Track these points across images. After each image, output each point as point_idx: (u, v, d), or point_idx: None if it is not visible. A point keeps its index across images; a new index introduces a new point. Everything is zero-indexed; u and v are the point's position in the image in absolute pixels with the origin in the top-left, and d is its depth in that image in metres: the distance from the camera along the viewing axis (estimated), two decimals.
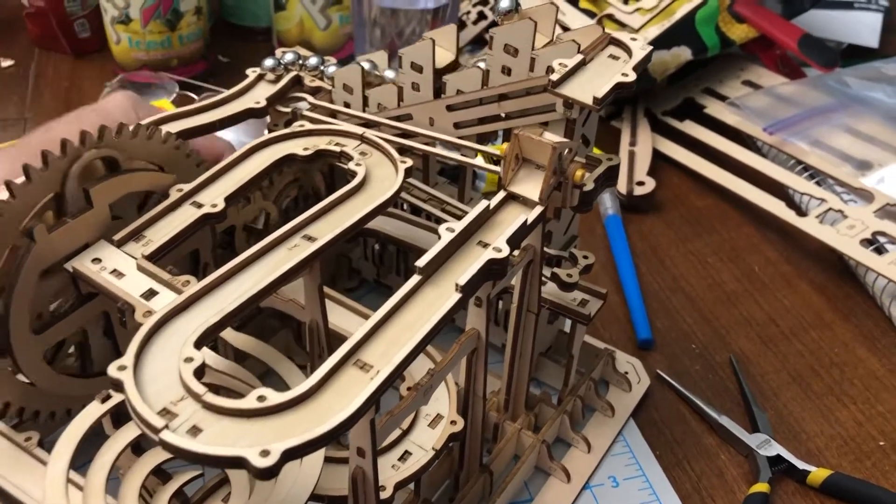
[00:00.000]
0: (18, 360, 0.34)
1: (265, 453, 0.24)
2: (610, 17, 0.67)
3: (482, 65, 0.38)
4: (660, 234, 0.59)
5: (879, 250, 0.53)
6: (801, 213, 0.58)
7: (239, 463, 0.24)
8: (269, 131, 0.42)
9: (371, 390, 0.26)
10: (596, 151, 0.38)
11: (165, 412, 0.25)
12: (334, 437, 0.25)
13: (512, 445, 0.41)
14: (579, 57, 0.34)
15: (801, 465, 0.43)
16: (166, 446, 0.24)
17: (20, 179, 0.32)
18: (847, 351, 0.51)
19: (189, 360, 0.27)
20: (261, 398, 0.25)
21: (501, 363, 0.40)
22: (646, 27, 0.64)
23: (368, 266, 0.51)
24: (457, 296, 0.29)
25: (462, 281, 0.29)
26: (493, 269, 0.30)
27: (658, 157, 0.65)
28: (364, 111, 0.43)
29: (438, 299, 0.29)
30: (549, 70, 0.34)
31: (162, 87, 0.67)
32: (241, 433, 0.25)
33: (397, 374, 0.27)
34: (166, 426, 0.25)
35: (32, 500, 0.33)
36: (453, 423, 0.35)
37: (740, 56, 0.72)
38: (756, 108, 0.65)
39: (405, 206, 0.45)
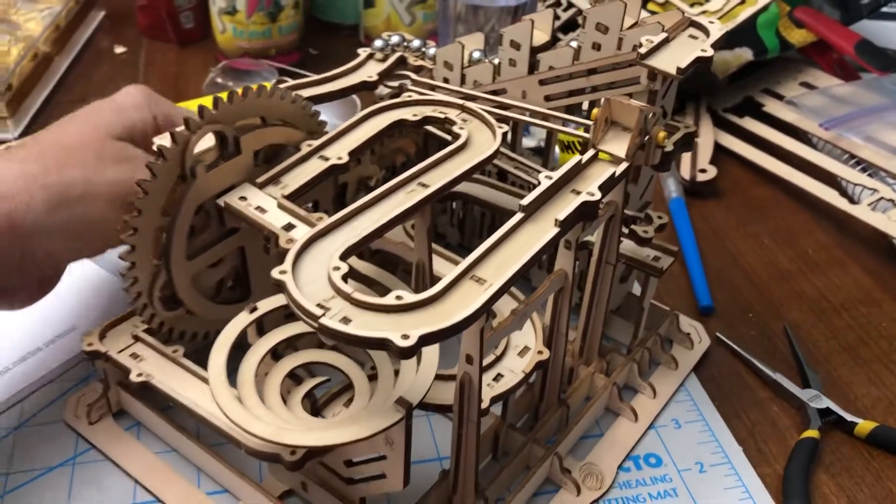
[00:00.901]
0: (175, 280, 0.40)
1: (406, 337, 0.29)
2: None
3: (574, 44, 0.43)
4: (720, 218, 0.63)
5: None
6: (853, 201, 0.62)
7: (384, 344, 0.29)
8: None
9: (486, 297, 0.31)
10: None
11: (320, 307, 0.31)
12: (458, 330, 0.30)
13: (585, 386, 0.46)
14: (663, 35, 0.40)
15: (849, 417, 0.47)
16: (324, 330, 0.30)
17: (180, 128, 0.38)
18: (894, 325, 0.55)
19: (337, 268, 0.32)
20: (398, 297, 0.31)
21: (576, 321, 0.45)
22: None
23: (453, 231, 0.56)
24: (555, 230, 0.34)
25: (561, 216, 0.34)
26: (586, 210, 0.35)
27: (719, 150, 0.69)
28: (462, 85, 0.48)
29: (539, 233, 0.35)
30: (638, 45, 0.39)
31: (260, 73, 0.74)
32: (382, 323, 0.30)
33: (505, 288, 0.32)
34: (323, 315, 0.30)
35: (181, 396, 0.39)
36: (540, 352, 0.40)
37: (798, 59, 0.77)
38: (812, 107, 0.69)
39: (493, 174, 0.51)
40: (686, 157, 0.66)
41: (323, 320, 0.30)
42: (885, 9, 0.81)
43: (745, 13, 0.69)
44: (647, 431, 0.46)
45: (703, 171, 0.65)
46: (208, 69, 0.74)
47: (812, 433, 0.46)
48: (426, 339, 0.29)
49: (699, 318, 0.53)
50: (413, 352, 0.29)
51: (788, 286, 0.57)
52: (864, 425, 0.46)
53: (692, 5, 0.72)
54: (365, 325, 0.30)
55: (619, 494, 0.43)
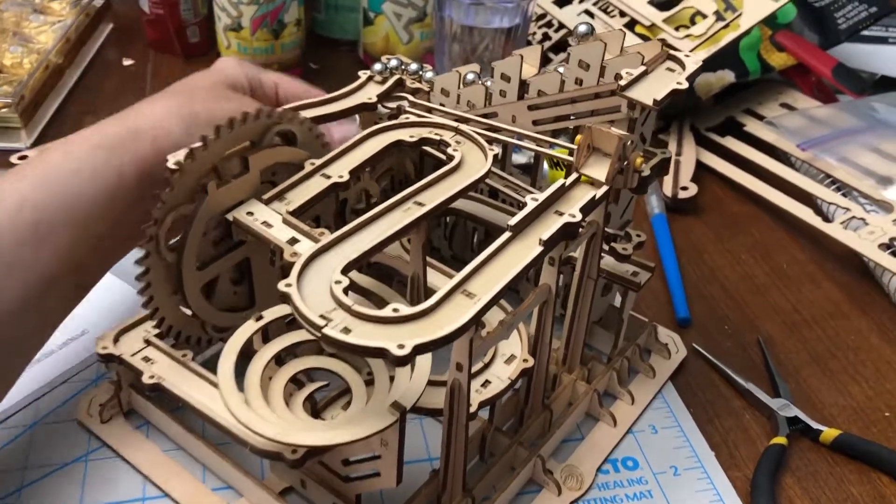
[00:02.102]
0: (186, 289, 0.43)
1: (401, 347, 0.32)
2: (662, 41, 0.75)
3: (561, 69, 0.46)
4: (700, 233, 0.66)
5: (895, 253, 0.60)
6: (827, 219, 0.65)
7: (382, 353, 0.32)
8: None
9: (475, 311, 0.34)
10: None
11: (323, 318, 0.34)
12: (449, 341, 0.33)
13: (568, 392, 0.49)
14: (642, 68, 0.43)
15: (815, 425, 0.50)
16: (327, 340, 0.33)
17: (197, 145, 0.41)
18: (862, 338, 0.58)
19: (339, 282, 0.35)
20: (395, 310, 0.34)
21: (560, 330, 0.48)
22: (694, 52, 0.72)
23: (446, 244, 0.59)
24: (539, 248, 0.37)
25: (545, 236, 0.37)
26: (568, 231, 0.38)
27: (701, 168, 0.72)
28: (456, 106, 0.51)
29: (525, 251, 0.38)
30: (618, 77, 0.42)
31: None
32: (380, 334, 0.33)
33: (493, 302, 0.35)
34: (325, 325, 0.33)
35: (191, 398, 0.42)
36: (525, 360, 0.43)
37: (779, 81, 0.80)
38: (791, 128, 0.72)
39: (485, 192, 0.54)
40: (669, 175, 0.69)
41: (326, 330, 0.33)
42: (862, 33, 0.84)
43: (727, 37, 0.72)
44: (625, 436, 0.49)
45: (684, 188, 0.68)
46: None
47: (780, 440, 0.49)
48: (420, 349, 0.32)
49: (677, 330, 0.56)
50: (408, 360, 0.32)
51: (763, 300, 0.60)
52: (829, 433, 0.49)
53: (677, 28, 0.75)
54: (364, 336, 0.33)
55: (597, 495, 0.46)
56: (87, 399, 0.48)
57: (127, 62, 0.83)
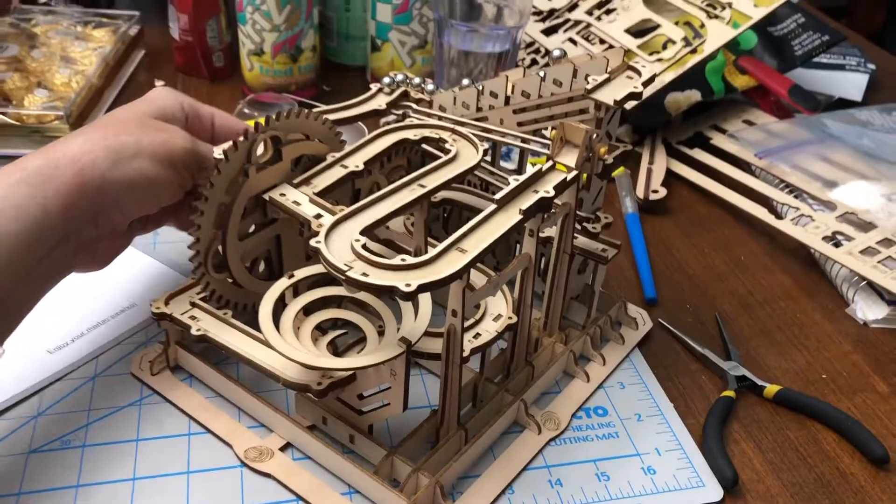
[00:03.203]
0: (228, 258, 0.52)
1: (408, 285, 0.41)
2: (636, 63, 0.84)
3: (542, 73, 0.56)
4: (669, 231, 0.75)
5: (837, 244, 0.69)
6: (780, 217, 0.74)
7: (392, 290, 0.41)
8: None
9: (466, 261, 0.43)
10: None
11: (346, 265, 0.42)
12: (446, 283, 0.42)
13: (548, 353, 0.57)
14: (606, 76, 0.52)
15: (760, 382, 0.58)
16: (349, 281, 0.41)
17: (241, 139, 0.50)
18: (807, 317, 0.66)
19: (357, 240, 0.44)
20: (403, 259, 0.42)
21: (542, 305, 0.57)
22: (664, 73, 0.81)
23: (444, 235, 0.68)
24: (519, 217, 0.46)
25: (524, 207, 0.46)
26: (543, 204, 0.47)
27: (671, 175, 0.81)
28: (452, 108, 0.61)
29: (508, 219, 0.46)
30: (587, 82, 0.51)
31: (282, 106, 0.86)
32: (391, 276, 0.41)
33: (481, 256, 0.44)
34: (349, 270, 0.42)
35: (232, 345, 0.50)
36: (510, 318, 0.52)
37: (742, 101, 0.89)
38: (751, 140, 0.82)
39: (478, 186, 0.63)
40: (642, 180, 0.79)
41: (349, 274, 0.41)
42: (815, 59, 0.94)
43: (693, 60, 0.81)
44: (596, 390, 0.57)
45: (655, 191, 0.77)
46: (236, 101, 0.87)
47: (729, 393, 0.57)
48: (423, 287, 0.41)
49: (645, 308, 0.65)
50: (413, 296, 0.41)
51: (722, 285, 0.69)
52: (771, 388, 0.58)
53: (651, 54, 0.85)
54: (379, 277, 0.41)
55: (571, 435, 0.54)
56: (139, 356, 0.56)
57: (158, 83, 0.93)
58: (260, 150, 0.51)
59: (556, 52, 0.57)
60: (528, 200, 0.47)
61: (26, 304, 0.45)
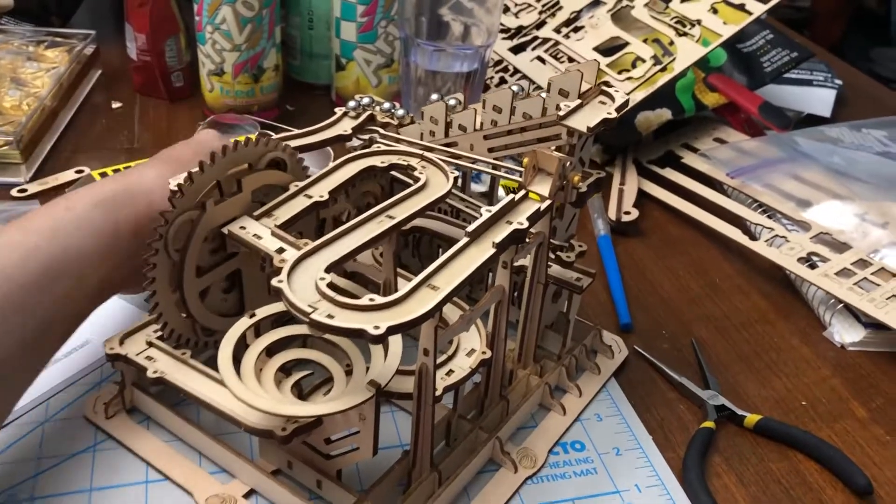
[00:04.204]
0: (186, 295, 0.49)
1: (377, 328, 0.38)
2: (606, 83, 0.83)
3: (515, 87, 0.54)
4: (642, 253, 0.74)
5: (812, 266, 0.68)
6: (754, 238, 0.73)
7: (360, 333, 0.38)
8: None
9: (438, 299, 0.41)
10: None
11: (310, 307, 0.40)
12: (417, 323, 0.40)
13: (523, 385, 0.55)
14: (578, 101, 0.50)
15: (739, 411, 0.57)
16: (314, 324, 0.39)
17: (195, 169, 0.48)
18: (784, 341, 0.65)
19: (322, 278, 0.41)
20: (371, 299, 0.40)
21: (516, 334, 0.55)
22: (634, 92, 0.80)
23: (414, 262, 0.66)
24: (492, 250, 0.44)
25: (497, 240, 0.44)
26: (517, 236, 0.45)
27: (643, 196, 0.80)
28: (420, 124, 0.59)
29: (480, 253, 0.44)
30: (558, 109, 0.49)
31: (244, 127, 0.83)
32: (359, 318, 0.39)
33: (453, 294, 0.42)
34: (313, 312, 0.39)
35: (190, 388, 0.47)
36: (484, 352, 0.50)
37: (713, 118, 0.89)
38: (722, 159, 0.81)
39: (449, 213, 0.61)
40: (613, 202, 0.77)
41: (313, 316, 0.39)
42: (790, 76, 0.94)
43: (663, 79, 0.80)
44: (573, 423, 0.55)
45: (627, 213, 0.76)
46: (197, 123, 0.84)
47: (709, 424, 0.56)
48: (393, 329, 0.39)
49: (620, 334, 0.63)
50: (383, 339, 0.38)
51: (697, 309, 0.68)
52: (752, 418, 0.56)
53: (620, 72, 0.83)
54: (345, 320, 0.39)
55: (549, 472, 0.52)
56: (93, 398, 0.53)
57: (115, 105, 0.90)
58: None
59: (515, 88, 0.55)
60: (501, 233, 0.45)
61: (84, 317, 0.49)
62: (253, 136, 0.50)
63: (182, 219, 0.47)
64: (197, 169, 0.47)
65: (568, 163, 0.48)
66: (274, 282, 0.41)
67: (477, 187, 0.74)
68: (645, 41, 0.85)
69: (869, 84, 1.14)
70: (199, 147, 0.55)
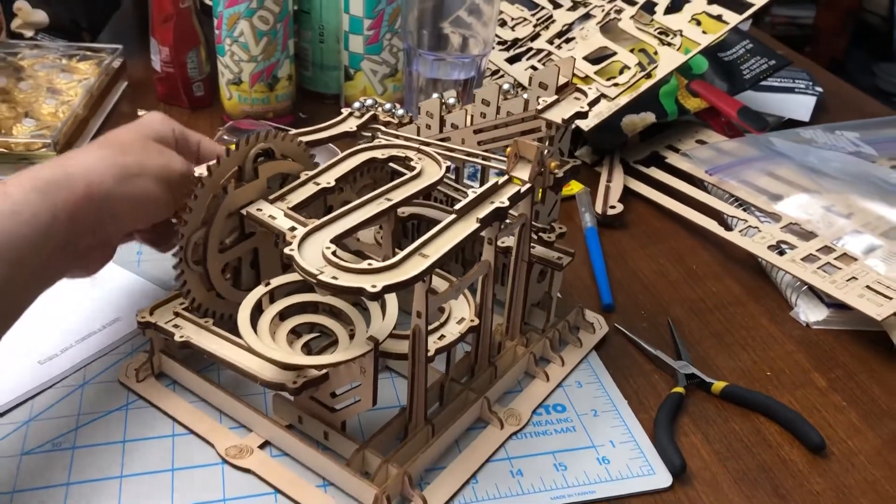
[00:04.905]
0: (209, 270, 0.56)
1: (374, 286, 0.45)
2: (578, 87, 0.90)
3: (506, 86, 0.60)
4: (625, 243, 0.80)
5: (781, 253, 0.74)
6: (729, 229, 0.79)
7: (360, 291, 0.45)
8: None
9: (428, 264, 0.47)
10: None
11: (317, 269, 0.46)
12: (409, 284, 0.46)
13: (510, 355, 0.61)
14: (556, 97, 0.57)
15: (708, 379, 0.62)
16: (321, 283, 0.45)
17: (213, 162, 0.54)
18: (753, 320, 0.71)
19: (328, 247, 0.48)
20: (369, 263, 0.47)
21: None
22: (620, 97, 0.87)
23: None
24: (476, 225, 0.51)
25: (481, 215, 0.51)
26: (499, 213, 0.52)
27: (629, 192, 0.86)
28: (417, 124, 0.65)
29: (466, 228, 0.51)
30: (538, 104, 0.56)
31: (260, 132, 0.90)
32: (359, 279, 0.46)
33: (441, 261, 0.48)
34: (320, 274, 0.46)
35: (213, 350, 0.54)
36: (472, 321, 0.56)
37: (695, 122, 0.95)
38: (702, 158, 0.87)
39: (443, 202, 0.67)
40: (600, 197, 0.83)
41: (320, 277, 0.45)
42: (766, 83, 1.00)
43: (647, 84, 0.87)
44: (555, 389, 0.61)
45: (612, 207, 0.82)
46: (216, 129, 0.91)
47: (679, 389, 0.61)
48: (388, 288, 0.45)
49: (602, 313, 0.69)
50: (380, 296, 0.45)
51: (675, 292, 0.74)
52: (719, 384, 0.62)
53: (608, 79, 0.90)
54: (348, 280, 0.45)
55: (532, 430, 0.58)
56: (126, 364, 0.59)
57: (141, 113, 0.97)
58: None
59: (506, 87, 0.62)
60: (484, 210, 0.52)
61: (26, 303, 0.49)
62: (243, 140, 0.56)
63: (207, 201, 0.54)
64: (206, 170, 0.54)
65: (546, 150, 0.55)
66: (286, 250, 0.47)
67: (473, 184, 0.80)
68: (631, 50, 0.91)
69: (854, 94, 1.20)
70: (141, 129, 0.56)
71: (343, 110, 0.67)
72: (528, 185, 0.55)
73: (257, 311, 0.52)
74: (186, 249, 0.55)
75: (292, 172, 0.59)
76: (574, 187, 0.85)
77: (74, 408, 0.56)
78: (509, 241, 0.59)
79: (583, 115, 0.56)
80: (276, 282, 0.53)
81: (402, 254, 0.48)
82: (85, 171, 0.50)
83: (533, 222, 0.58)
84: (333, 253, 0.48)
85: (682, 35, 0.89)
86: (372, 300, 0.46)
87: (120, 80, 1.01)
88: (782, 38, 1.46)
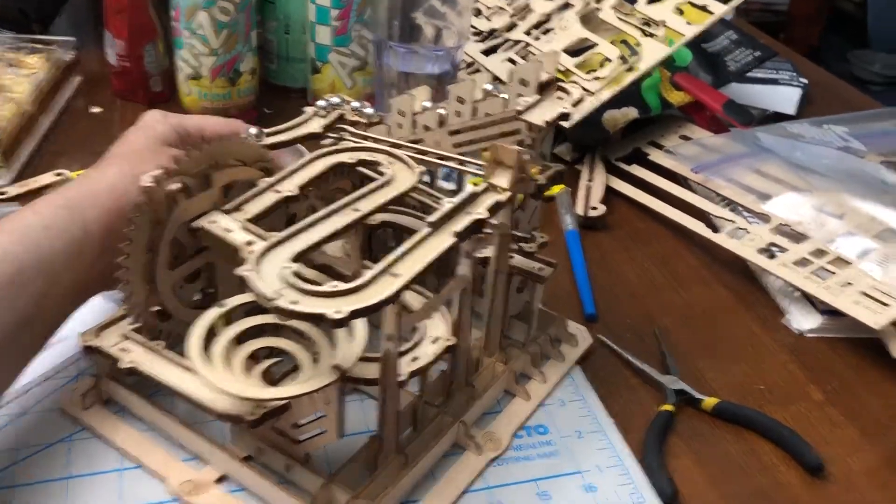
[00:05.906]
0: (159, 286, 0.51)
1: (339, 312, 0.40)
2: (574, 83, 0.85)
3: (489, 86, 0.56)
4: (608, 246, 0.76)
5: (772, 256, 0.71)
6: (716, 230, 0.75)
7: (321, 318, 0.40)
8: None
9: (398, 286, 0.43)
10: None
11: (275, 293, 0.42)
12: (377, 308, 0.41)
13: (489, 373, 0.57)
14: (537, 97, 0.52)
15: (698, 395, 0.59)
16: (278, 309, 0.41)
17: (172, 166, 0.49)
18: (744, 328, 0.67)
19: (287, 267, 0.43)
20: (333, 286, 0.42)
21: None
22: (601, 91, 0.83)
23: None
24: (453, 239, 0.46)
25: (458, 229, 0.46)
26: (477, 225, 0.47)
27: (611, 192, 0.82)
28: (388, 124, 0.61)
29: (441, 242, 0.46)
30: (518, 105, 0.52)
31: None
32: (322, 304, 0.41)
33: (413, 281, 0.44)
34: (277, 298, 0.41)
35: (163, 377, 0.49)
36: (448, 340, 0.52)
37: (679, 116, 0.91)
38: (687, 155, 0.83)
39: (416, 208, 0.62)
40: (581, 197, 0.79)
41: (277, 302, 0.41)
42: (749, 74, 0.96)
43: (629, 78, 0.83)
44: (537, 408, 0.57)
45: (594, 208, 0.78)
46: None
47: (668, 407, 0.58)
48: (355, 314, 0.41)
49: (585, 324, 0.65)
50: (344, 323, 0.40)
51: (661, 299, 0.70)
52: (709, 401, 0.58)
53: (588, 72, 0.86)
54: (309, 305, 0.41)
55: (512, 455, 0.54)
56: (70, 390, 0.54)
57: (95, 110, 0.91)
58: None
59: (488, 87, 0.58)
60: (461, 223, 0.47)
61: (61, 319, 0.50)
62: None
63: (154, 215, 0.49)
64: (162, 169, 0.49)
65: (526, 155, 0.50)
66: (240, 271, 0.43)
67: (447, 185, 0.76)
68: (612, 42, 0.87)
69: (837, 84, 1.17)
70: (149, 132, 0.56)
71: (306, 109, 0.62)
72: (507, 194, 0.50)
73: (212, 334, 0.48)
74: (137, 300, 0.50)
75: (250, 179, 0.54)
76: (554, 188, 0.80)
77: (11, 441, 0.51)
78: (486, 251, 0.55)
79: (566, 117, 0.52)
80: (231, 302, 0.49)
81: (369, 273, 0.43)
82: (109, 187, 0.51)
83: (513, 231, 0.54)
84: (294, 273, 0.43)
85: (665, 26, 0.85)
86: (335, 328, 0.42)
87: (72, 74, 0.95)
88: (757, 24, 1.43)
